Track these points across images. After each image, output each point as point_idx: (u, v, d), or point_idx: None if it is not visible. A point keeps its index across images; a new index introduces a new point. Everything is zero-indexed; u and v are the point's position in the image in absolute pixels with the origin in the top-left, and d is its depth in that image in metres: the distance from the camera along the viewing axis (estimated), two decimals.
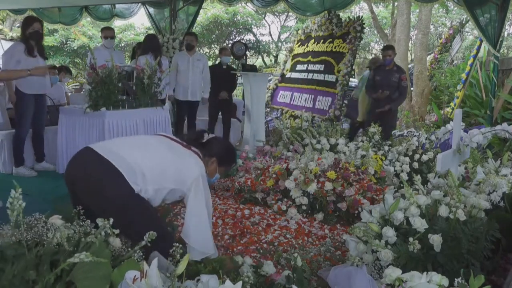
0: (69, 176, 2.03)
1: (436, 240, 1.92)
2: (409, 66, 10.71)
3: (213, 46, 19.46)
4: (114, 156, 1.93)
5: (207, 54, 19.06)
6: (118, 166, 1.89)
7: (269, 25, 34.22)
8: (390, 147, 4.40)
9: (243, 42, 8.57)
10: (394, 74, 5.31)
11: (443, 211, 2.09)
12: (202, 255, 2.01)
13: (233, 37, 19.01)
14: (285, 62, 8.39)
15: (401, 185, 3.25)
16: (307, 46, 7.66)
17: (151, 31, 9.27)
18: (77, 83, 11.90)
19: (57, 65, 7.72)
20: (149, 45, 5.40)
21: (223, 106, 6.29)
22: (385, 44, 6.29)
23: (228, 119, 6.41)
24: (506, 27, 9.41)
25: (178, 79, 5.83)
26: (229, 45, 8.81)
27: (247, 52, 8.04)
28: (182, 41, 6.52)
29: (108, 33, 5.42)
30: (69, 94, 6.95)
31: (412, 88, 9.36)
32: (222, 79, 6.10)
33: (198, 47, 18.23)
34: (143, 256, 1.54)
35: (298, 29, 8.66)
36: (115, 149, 1.98)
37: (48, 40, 15.89)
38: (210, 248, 2.07)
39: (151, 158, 2.00)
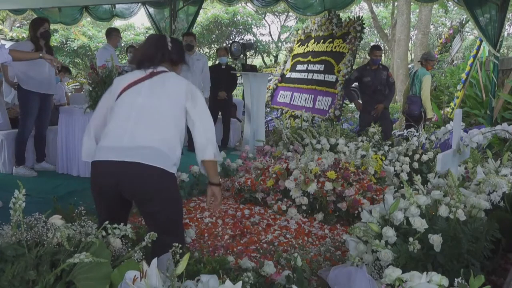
0: (108, 190, 1.91)
1: (436, 240, 1.92)
2: (409, 66, 10.71)
3: (213, 46, 19.45)
4: (138, 151, 1.83)
5: (207, 54, 19.06)
6: (149, 161, 1.82)
7: (269, 25, 34.25)
8: (390, 147, 4.40)
9: (239, 42, 8.55)
10: (382, 72, 5.39)
11: (443, 211, 2.09)
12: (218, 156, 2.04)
13: (233, 37, 19.01)
14: (285, 62, 8.39)
15: (401, 185, 3.26)
16: (307, 46, 7.66)
17: (151, 31, 9.27)
18: (77, 83, 11.90)
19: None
20: None
21: (223, 106, 6.29)
22: (374, 44, 6.30)
23: (228, 119, 6.41)
24: (506, 27, 9.42)
25: None
26: (229, 45, 8.81)
27: (247, 52, 8.03)
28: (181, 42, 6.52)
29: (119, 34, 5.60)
30: (69, 94, 6.96)
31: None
32: (222, 79, 6.10)
33: (198, 47, 18.25)
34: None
35: (298, 29, 8.66)
36: (129, 142, 1.86)
37: None
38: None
39: (158, 125, 1.92)
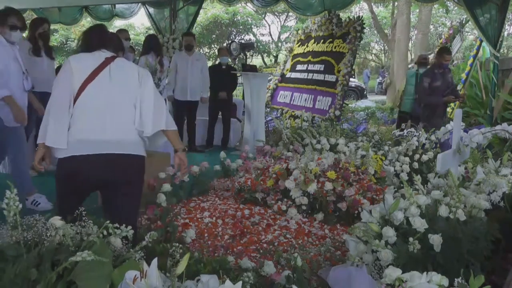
0: (90, 184, 2.06)
1: (436, 240, 1.92)
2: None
3: (213, 46, 19.47)
4: (125, 143, 2.02)
5: (207, 54, 19.07)
6: (136, 152, 2.05)
7: (269, 25, 34.28)
8: (390, 147, 4.40)
9: (237, 41, 8.56)
10: (448, 75, 5.21)
11: (443, 211, 2.09)
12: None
13: (233, 37, 19.02)
14: (285, 62, 8.39)
15: (401, 185, 3.26)
16: (307, 46, 7.66)
17: (151, 31, 9.28)
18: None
19: (57, 65, 7.71)
20: (151, 44, 5.42)
21: (223, 106, 6.29)
22: (443, 47, 5.96)
23: (228, 119, 6.41)
24: (506, 27, 9.42)
25: (177, 79, 5.83)
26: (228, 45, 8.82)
27: (247, 52, 8.03)
28: (181, 42, 6.53)
29: (126, 35, 5.56)
30: None
31: None
32: (222, 79, 6.11)
33: (198, 47, 18.25)
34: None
35: (298, 29, 8.66)
36: (112, 135, 2.00)
37: None
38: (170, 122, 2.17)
39: (128, 114, 2.06)
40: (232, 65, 7.38)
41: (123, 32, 5.66)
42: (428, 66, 5.76)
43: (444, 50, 5.28)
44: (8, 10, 3.41)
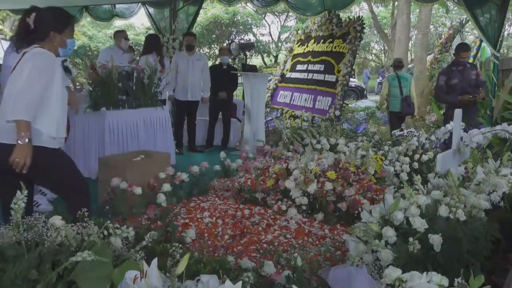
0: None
1: (436, 240, 1.92)
2: (409, 66, 10.72)
3: (213, 46, 19.46)
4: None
5: (207, 54, 19.07)
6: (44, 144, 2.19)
7: (269, 25, 34.27)
8: (390, 147, 4.40)
9: (236, 41, 8.56)
10: (471, 72, 5.02)
11: (443, 211, 2.09)
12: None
13: (233, 37, 19.02)
14: (285, 62, 8.39)
15: (401, 185, 3.26)
16: (307, 46, 7.66)
17: (151, 31, 9.28)
18: (78, 83, 11.89)
19: None
20: (151, 44, 5.43)
21: (223, 106, 6.29)
22: (461, 43, 5.89)
23: (228, 119, 6.41)
24: (506, 27, 9.41)
25: (178, 79, 5.83)
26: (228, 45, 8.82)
27: (247, 53, 8.04)
28: (181, 42, 6.53)
29: (123, 35, 5.62)
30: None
31: None
32: (222, 79, 6.11)
33: (198, 47, 18.25)
34: None
35: (298, 29, 8.67)
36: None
37: None
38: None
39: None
40: (233, 65, 7.38)
41: (121, 33, 5.67)
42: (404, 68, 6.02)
43: (461, 48, 5.13)
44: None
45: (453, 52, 5.47)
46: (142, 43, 6.13)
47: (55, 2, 7.64)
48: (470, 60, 7.64)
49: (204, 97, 6.09)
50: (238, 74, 6.65)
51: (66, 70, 2.45)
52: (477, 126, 4.71)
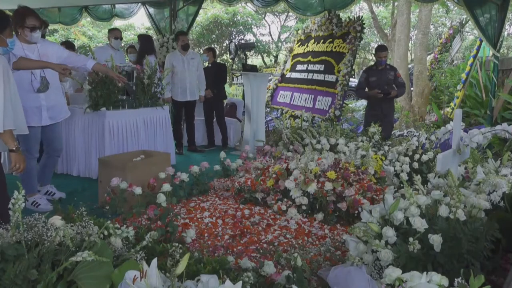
0: None
1: (436, 240, 1.92)
2: (409, 66, 10.70)
3: (213, 46, 19.45)
4: None
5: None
6: None
7: (269, 25, 34.29)
8: (390, 147, 4.40)
9: (234, 41, 8.57)
10: (389, 72, 5.46)
11: (443, 211, 2.09)
12: None
13: (233, 37, 19.01)
14: (285, 62, 8.39)
15: (401, 185, 3.26)
16: (307, 46, 7.66)
17: (151, 31, 9.27)
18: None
19: None
20: (152, 45, 5.43)
21: (213, 105, 6.28)
22: (378, 44, 6.46)
23: (221, 116, 6.37)
24: (506, 27, 9.40)
25: (175, 80, 5.81)
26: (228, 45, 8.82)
27: (247, 53, 8.03)
28: (174, 41, 6.48)
29: (118, 34, 5.56)
30: (69, 94, 6.95)
31: (412, 88, 9.36)
32: (207, 78, 6.12)
33: (198, 47, 18.25)
34: None
35: (298, 29, 8.66)
36: None
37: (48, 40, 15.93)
38: None
39: None
40: (221, 62, 7.31)
41: (114, 31, 5.62)
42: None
43: (378, 48, 5.55)
44: (24, 10, 3.30)
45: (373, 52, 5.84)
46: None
47: (55, 2, 7.65)
48: (470, 60, 7.65)
49: (202, 95, 6.09)
50: (238, 74, 6.64)
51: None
52: (392, 121, 5.34)
